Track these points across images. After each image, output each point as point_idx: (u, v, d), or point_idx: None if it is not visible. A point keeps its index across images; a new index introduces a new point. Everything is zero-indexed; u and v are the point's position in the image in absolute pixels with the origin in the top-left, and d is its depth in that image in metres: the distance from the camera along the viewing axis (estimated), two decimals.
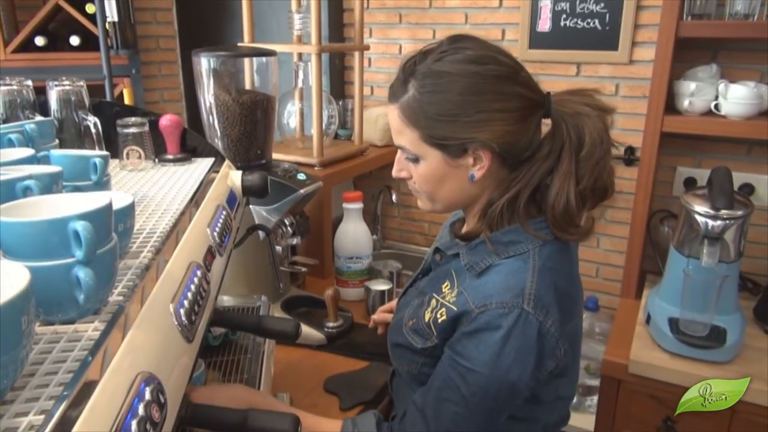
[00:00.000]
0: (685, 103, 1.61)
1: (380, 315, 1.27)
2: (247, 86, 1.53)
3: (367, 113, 2.10)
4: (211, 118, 1.43)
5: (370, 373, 1.36)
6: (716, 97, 1.60)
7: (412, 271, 1.63)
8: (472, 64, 0.83)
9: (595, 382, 1.92)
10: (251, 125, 1.43)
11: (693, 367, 1.40)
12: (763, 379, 1.35)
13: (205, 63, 1.39)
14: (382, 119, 2.15)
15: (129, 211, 0.66)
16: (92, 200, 0.55)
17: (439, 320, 0.88)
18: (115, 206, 0.62)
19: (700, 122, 1.58)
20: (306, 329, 1.49)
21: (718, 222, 1.40)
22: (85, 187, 0.77)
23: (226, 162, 1.18)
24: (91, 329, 0.52)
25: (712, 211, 1.40)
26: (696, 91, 1.59)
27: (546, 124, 0.90)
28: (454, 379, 0.83)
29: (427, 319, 0.91)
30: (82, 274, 0.50)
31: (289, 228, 1.50)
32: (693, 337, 1.41)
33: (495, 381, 0.80)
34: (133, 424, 0.45)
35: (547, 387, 0.89)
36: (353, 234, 1.69)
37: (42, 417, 0.41)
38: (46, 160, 0.79)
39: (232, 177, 1.14)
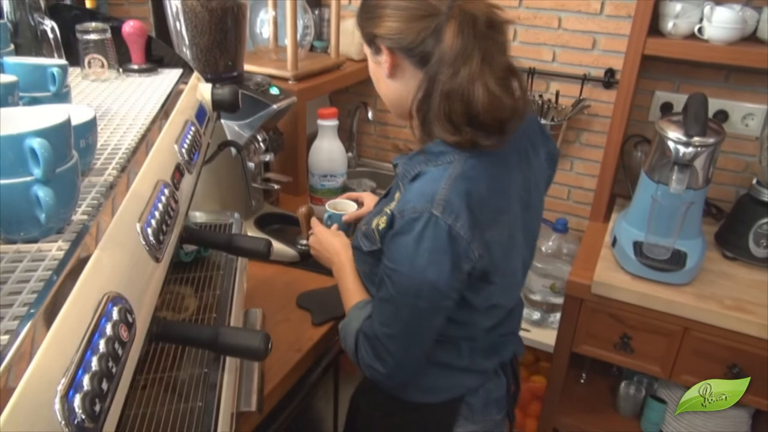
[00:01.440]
0: (670, 24, 1.58)
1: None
2: None
3: (345, 24, 2.02)
4: (178, 24, 1.36)
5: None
6: (701, 20, 1.57)
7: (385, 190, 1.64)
8: None
9: (559, 300, 2.00)
10: (221, 34, 1.36)
11: (652, 288, 1.46)
12: (716, 300, 1.42)
13: None
14: (358, 31, 2.07)
15: (91, 126, 0.64)
16: (49, 115, 0.53)
17: (381, 227, 0.95)
18: (76, 121, 0.60)
19: (683, 46, 1.56)
20: (279, 246, 1.50)
21: (690, 149, 1.41)
22: (43, 98, 0.74)
23: (195, 74, 1.14)
24: (54, 248, 0.51)
25: (684, 138, 1.41)
26: (681, 13, 1.55)
27: None
28: (384, 280, 0.91)
29: (373, 225, 0.98)
30: (42, 193, 0.48)
31: (261, 144, 1.48)
32: (654, 261, 1.46)
33: (415, 280, 0.86)
34: (101, 343, 0.45)
35: (477, 294, 0.94)
36: (328, 151, 1.67)
37: (7, 337, 0.41)
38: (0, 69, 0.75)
39: (202, 90, 1.10)
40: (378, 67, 0.95)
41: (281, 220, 1.63)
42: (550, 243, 2.01)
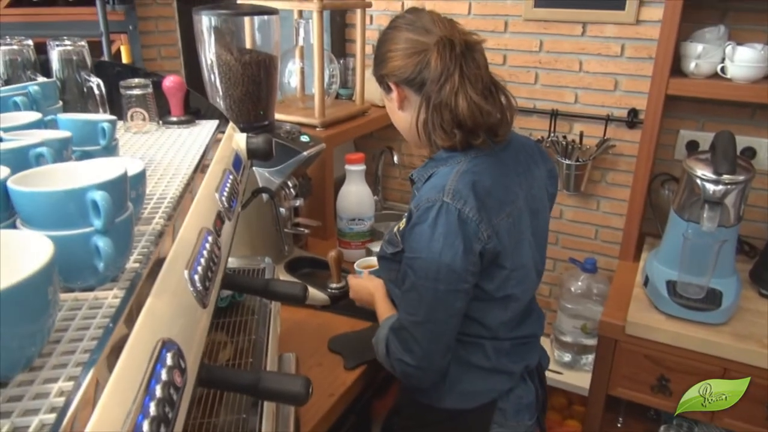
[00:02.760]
0: (692, 65, 1.59)
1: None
2: (248, 45, 1.51)
3: (369, 72, 2.07)
4: (212, 77, 1.42)
5: (372, 333, 1.39)
6: (723, 60, 1.58)
7: None
8: (383, 32, 1.10)
9: (591, 342, 1.97)
10: (254, 86, 1.41)
11: (688, 328, 1.43)
12: (755, 340, 1.38)
13: (206, 21, 1.37)
14: None
15: (141, 178, 0.66)
16: (107, 168, 0.55)
17: (401, 227, 1.07)
18: (128, 173, 0.63)
19: (706, 85, 1.57)
20: (310, 290, 1.51)
21: (719, 186, 1.41)
22: (94, 152, 0.77)
23: (231, 124, 1.18)
24: (111, 296, 0.53)
25: (713, 176, 1.41)
26: (703, 53, 1.57)
27: None
28: (406, 270, 1.01)
29: (395, 230, 1.10)
30: (101, 243, 0.50)
31: (292, 190, 1.51)
32: (690, 300, 1.44)
33: (432, 263, 0.96)
34: (158, 388, 0.46)
35: (492, 280, 1.04)
36: (356, 196, 1.70)
37: (71, 384, 0.42)
38: (53, 125, 0.79)
39: (237, 140, 1.14)
40: (391, 103, 1.11)
41: (311, 264, 1.65)
42: (580, 283, 1.99)
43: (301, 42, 1.91)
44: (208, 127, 1.15)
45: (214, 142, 1.05)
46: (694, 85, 1.58)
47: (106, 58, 2.03)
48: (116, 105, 1.11)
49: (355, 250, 1.73)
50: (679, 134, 1.86)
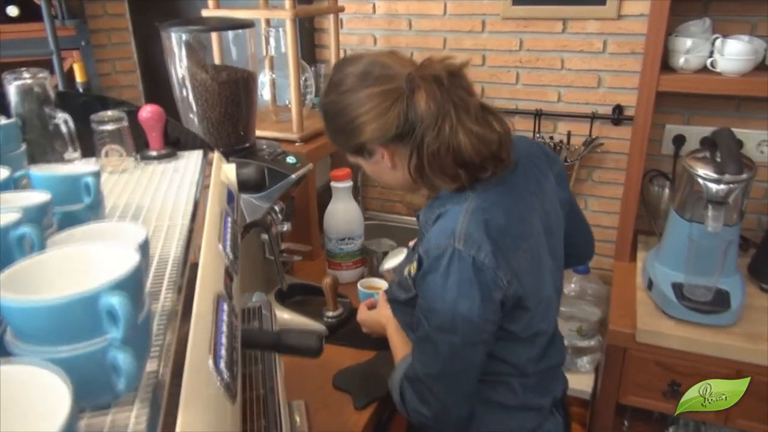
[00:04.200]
0: (681, 60, 1.55)
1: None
2: (217, 60, 1.39)
3: None
4: (186, 98, 1.29)
5: (379, 364, 1.30)
6: (711, 54, 1.55)
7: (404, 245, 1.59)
8: (325, 97, 0.97)
9: (586, 344, 1.93)
10: (233, 106, 1.30)
11: (699, 332, 1.39)
12: (764, 339, 1.35)
13: (176, 38, 1.24)
14: None
15: (146, 249, 0.56)
16: (114, 254, 0.45)
17: (412, 273, 0.97)
18: (134, 245, 0.52)
19: (697, 80, 1.53)
20: (304, 321, 1.41)
21: (723, 186, 1.37)
22: (78, 212, 0.65)
23: (216, 154, 1.06)
24: (132, 420, 0.42)
25: (715, 175, 1.37)
26: (692, 48, 1.53)
27: None
28: (420, 319, 0.92)
29: (405, 273, 1.01)
30: (121, 356, 0.40)
31: (279, 215, 1.40)
32: (699, 303, 1.40)
33: (447, 315, 0.87)
34: None
35: (517, 323, 0.95)
36: (344, 214, 1.60)
37: None
38: (25, 182, 0.67)
39: (226, 171, 1.03)
40: (378, 166, 0.99)
41: (301, 291, 1.54)
42: (573, 285, 1.94)
43: (272, 52, 1.79)
44: (192, 159, 1.03)
45: (204, 178, 0.94)
46: (684, 80, 1.55)
47: (58, 77, 1.87)
48: (85, 139, 0.98)
49: (346, 271, 1.64)
50: (666, 129, 1.83)
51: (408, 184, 0.99)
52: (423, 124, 0.88)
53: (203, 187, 0.90)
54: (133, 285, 0.41)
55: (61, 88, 1.86)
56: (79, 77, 1.94)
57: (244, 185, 1.02)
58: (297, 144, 1.68)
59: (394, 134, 0.90)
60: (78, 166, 0.73)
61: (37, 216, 0.57)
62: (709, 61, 1.54)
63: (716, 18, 1.65)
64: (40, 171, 0.67)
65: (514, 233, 0.93)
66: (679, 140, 1.81)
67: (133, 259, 0.43)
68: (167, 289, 0.60)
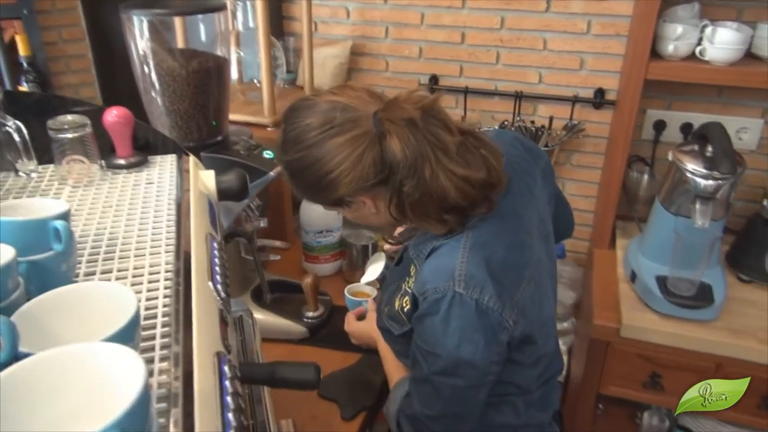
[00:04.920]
0: (670, 47, 1.50)
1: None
2: (180, 44, 1.25)
3: (318, 54, 1.86)
4: (151, 87, 1.17)
5: (365, 368, 1.25)
6: (699, 41, 1.51)
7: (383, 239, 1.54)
8: (285, 154, 0.86)
9: (560, 326, 1.93)
10: (204, 96, 1.18)
11: (683, 327, 1.39)
12: (750, 335, 1.37)
13: (138, 23, 1.11)
14: (330, 61, 1.91)
15: (136, 321, 0.47)
16: (109, 356, 0.36)
17: (405, 308, 0.92)
18: (123, 321, 0.44)
19: (687, 69, 1.49)
20: (284, 322, 1.34)
21: (711, 181, 1.35)
22: (45, 261, 0.56)
23: (192, 159, 0.96)
24: None
25: (705, 171, 1.35)
26: (682, 35, 1.48)
27: None
28: (419, 359, 0.87)
29: (397, 307, 0.95)
30: None
31: (255, 211, 1.30)
32: (683, 298, 1.39)
33: (449, 360, 0.82)
34: None
35: (523, 352, 0.91)
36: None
37: None
38: None
39: (204, 179, 0.93)
40: (360, 212, 0.91)
41: (278, 288, 1.46)
42: None
43: (239, 27, 1.65)
44: (166, 167, 0.93)
45: (183, 192, 0.84)
46: (674, 69, 1.50)
47: None
48: (39, 146, 0.86)
49: (324, 265, 1.57)
50: (647, 114, 1.80)
51: (394, 223, 0.92)
52: (400, 172, 0.80)
53: (182, 203, 0.81)
54: (141, 410, 0.33)
55: (1, 63, 1.67)
56: (22, 50, 1.75)
57: (225, 194, 0.93)
58: (269, 129, 1.57)
59: (372, 182, 0.82)
60: (39, 203, 0.63)
61: (5, 284, 0.48)
62: (698, 49, 1.50)
63: (703, 2, 1.60)
64: None
65: (516, 265, 0.87)
66: (661, 126, 1.78)
67: (139, 373, 0.35)
68: (161, 359, 0.52)
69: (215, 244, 0.76)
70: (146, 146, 0.96)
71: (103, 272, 0.63)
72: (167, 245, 0.69)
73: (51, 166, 0.88)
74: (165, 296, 0.60)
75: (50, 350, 0.38)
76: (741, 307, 1.45)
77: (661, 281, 1.45)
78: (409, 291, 0.91)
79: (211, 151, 1.20)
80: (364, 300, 1.25)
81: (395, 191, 0.83)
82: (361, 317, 1.22)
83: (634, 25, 1.67)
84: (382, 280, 1.28)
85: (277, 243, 1.41)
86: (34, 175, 0.83)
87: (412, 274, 0.95)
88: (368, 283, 1.27)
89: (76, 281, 0.61)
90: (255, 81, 1.78)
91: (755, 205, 1.74)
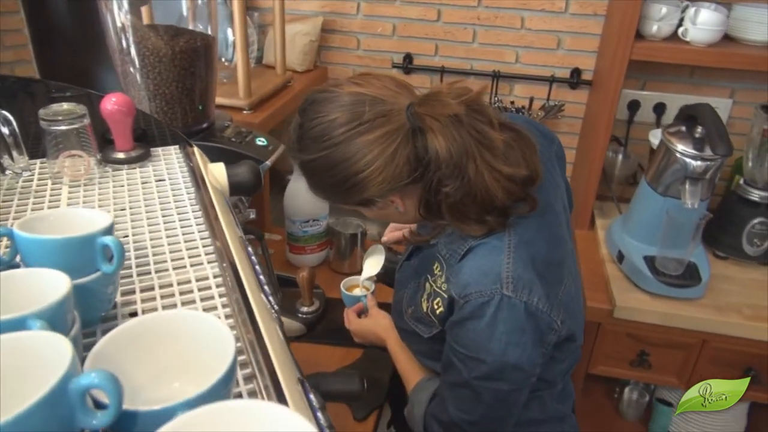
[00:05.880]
0: (654, 28, 1.51)
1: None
2: (144, 20, 1.13)
3: (290, 30, 1.75)
4: (130, 68, 1.05)
5: (370, 365, 1.21)
6: (681, 21, 1.52)
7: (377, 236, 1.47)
8: (305, 153, 0.78)
9: None
10: (191, 79, 1.07)
11: (672, 306, 1.42)
12: (734, 311, 1.41)
13: None
14: (300, 38, 1.81)
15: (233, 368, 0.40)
16: None
17: (437, 311, 0.87)
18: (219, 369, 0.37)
19: (671, 50, 1.50)
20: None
21: (699, 162, 1.37)
22: (92, 285, 0.47)
23: (197, 151, 0.87)
24: None
25: (695, 152, 1.37)
26: (666, 15, 1.49)
27: None
28: (455, 364, 0.83)
29: (425, 309, 0.90)
30: None
31: (246, 202, 1.21)
32: (672, 277, 1.42)
33: (495, 366, 0.79)
34: None
35: (563, 352, 0.89)
36: (309, 194, 1.42)
37: None
38: (6, 244, 0.47)
39: (214, 173, 0.84)
40: (385, 210, 0.85)
41: None
42: None
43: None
44: (171, 160, 0.83)
45: (203, 191, 0.75)
46: (658, 49, 1.51)
47: None
48: (28, 135, 0.75)
49: (311, 255, 1.49)
50: (622, 94, 1.81)
51: (418, 218, 0.86)
52: (440, 171, 0.75)
53: (204, 202, 0.72)
54: None
55: None
56: None
57: (237, 188, 0.85)
58: (245, 112, 1.47)
59: (404, 181, 0.77)
60: (72, 214, 0.53)
61: (55, 318, 0.39)
62: (680, 30, 1.52)
63: None
64: (26, 229, 0.47)
65: (558, 260, 0.85)
66: (635, 106, 1.80)
67: None
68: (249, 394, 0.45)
69: (250, 248, 0.69)
70: (144, 137, 0.86)
71: (143, 290, 0.55)
72: (207, 254, 0.61)
73: (38, 162, 0.77)
74: (226, 316, 0.52)
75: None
76: (722, 284, 1.50)
77: (650, 261, 1.47)
78: (440, 292, 0.86)
79: (199, 139, 1.10)
80: (363, 296, 1.20)
81: (430, 190, 0.78)
82: (360, 313, 1.17)
83: (612, 4, 1.67)
84: (382, 275, 1.22)
85: (274, 236, 1.32)
86: (24, 173, 0.72)
87: (436, 272, 0.89)
88: (364, 282, 1.22)
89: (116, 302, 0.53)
90: (222, 59, 1.66)
91: (725, 182, 1.81)
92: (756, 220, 1.53)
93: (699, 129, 1.37)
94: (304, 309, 1.29)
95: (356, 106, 0.75)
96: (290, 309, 1.29)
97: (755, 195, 1.54)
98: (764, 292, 1.48)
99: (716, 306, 1.42)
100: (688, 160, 1.38)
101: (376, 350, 1.19)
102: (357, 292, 1.24)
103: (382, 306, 1.17)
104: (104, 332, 0.49)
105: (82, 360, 0.40)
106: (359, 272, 1.40)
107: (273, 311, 0.59)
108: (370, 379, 1.15)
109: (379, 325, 1.07)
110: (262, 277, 0.63)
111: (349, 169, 0.75)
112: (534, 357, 0.80)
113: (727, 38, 1.57)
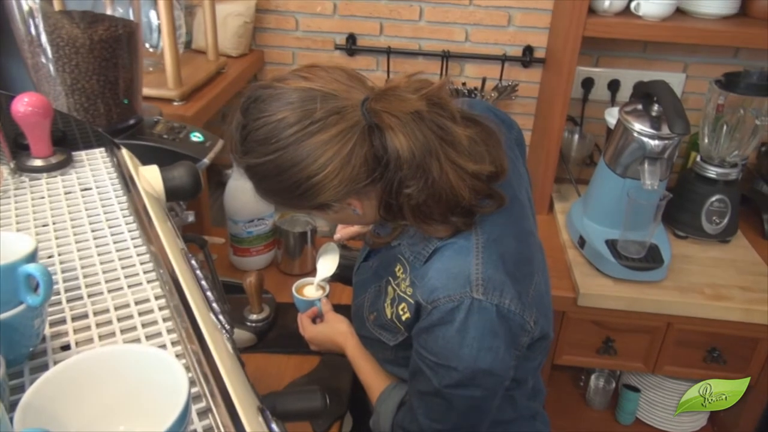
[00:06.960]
0: (606, 3, 1.54)
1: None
2: (55, 6, 1.06)
3: (221, 11, 1.69)
4: (41, 61, 0.99)
5: (328, 373, 1.19)
6: None
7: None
8: (249, 156, 0.76)
9: None
10: (114, 71, 1.02)
11: (636, 290, 1.47)
12: (696, 291, 1.47)
13: None
14: (233, 20, 1.76)
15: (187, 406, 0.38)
16: None
17: (403, 317, 0.85)
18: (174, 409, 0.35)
19: (624, 25, 1.54)
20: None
21: (657, 141, 1.41)
22: (15, 320, 0.43)
23: (126, 153, 0.83)
24: None
25: (653, 131, 1.41)
26: None
27: None
28: (425, 372, 0.82)
29: (389, 315, 0.88)
30: None
31: (183, 205, 1.17)
32: (634, 260, 1.47)
33: (467, 372, 0.78)
34: None
35: (534, 351, 0.89)
36: (251, 192, 1.39)
37: None
38: None
39: (147, 178, 0.80)
40: (341, 214, 0.84)
41: None
42: None
43: None
44: (97, 165, 0.79)
45: (131, 199, 0.71)
46: (612, 25, 1.54)
47: None
48: None
49: (257, 257, 1.46)
50: (576, 71, 1.85)
51: (377, 218, 0.85)
52: (401, 172, 0.73)
53: (138, 212, 0.69)
54: None
55: None
56: None
57: (175, 193, 0.81)
58: (176, 104, 1.42)
59: (362, 184, 0.75)
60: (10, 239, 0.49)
61: None
62: (632, 4, 1.55)
63: None
64: None
65: (527, 256, 0.85)
66: (589, 83, 1.84)
67: None
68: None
69: (193, 262, 0.66)
70: (63, 140, 0.81)
71: (75, 318, 0.52)
72: (146, 272, 0.58)
73: None
74: (173, 343, 0.50)
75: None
76: (683, 264, 1.56)
77: (612, 245, 1.51)
78: (405, 297, 0.85)
79: (127, 137, 1.05)
80: (317, 300, 1.18)
81: (391, 192, 0.76)
82: (314, 318, 1.16)
83: None
84: (337, 275, 1.21)
85: (216, 239, 1.28)
86: None
87: (399, 275, 0.88)
88: (319, 284, 1.20)
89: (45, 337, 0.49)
90: (148, 47, 1.59)
91: (682, 160, 1.88)
92: (714, 198, 1.60)
93: (655, 107, 1.41)
94: (253, 317, 1.26)
95: (306, 103, 0.72)
96: (238, 318, 1.25)
97: (712, 172, 1.60)
98: (724, 271, 1.54)
99: (679, 287, 1.48)
100: (645, 139, 1.42)
101: (334, 356, 1.17)
102: (310, 294, 1.22)
103: (339, 308, 1.15)
104: (33, 370, 0.46)
105: (12, 405, 0.37)
106: (311, 273, 1.38)
107: (225, 332, 0.56)
108: (331, 390, 1.14)
109: (336, 330, 1.06)
110: (209, 293, 0.61)
111: (302, 173, 0.73)
112: (507, 361, 0.80)
113: (680, 12, 1.62)
